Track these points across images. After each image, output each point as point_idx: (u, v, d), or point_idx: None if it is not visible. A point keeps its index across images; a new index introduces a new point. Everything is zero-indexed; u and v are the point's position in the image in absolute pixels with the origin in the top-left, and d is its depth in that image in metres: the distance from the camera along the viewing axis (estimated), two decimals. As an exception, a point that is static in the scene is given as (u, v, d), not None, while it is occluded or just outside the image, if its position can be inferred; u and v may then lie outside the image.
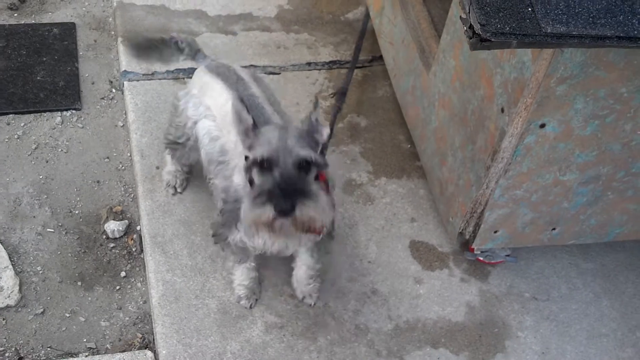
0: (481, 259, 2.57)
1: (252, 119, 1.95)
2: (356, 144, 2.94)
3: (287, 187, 1.83)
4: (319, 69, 3.23)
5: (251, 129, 1.95)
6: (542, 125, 1.99)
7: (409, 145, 2.94)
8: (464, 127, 2.27)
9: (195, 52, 2.51)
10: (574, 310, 2.53)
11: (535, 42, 1.53)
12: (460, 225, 2.35)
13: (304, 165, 1.89)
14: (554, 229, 2.37)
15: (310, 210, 1.82)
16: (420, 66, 2.61)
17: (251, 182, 1.93)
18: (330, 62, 3.26)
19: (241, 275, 2.36)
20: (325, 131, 1.99)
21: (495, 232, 2.33)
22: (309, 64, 3.25)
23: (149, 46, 2.47)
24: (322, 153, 1.99)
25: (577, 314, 2.52)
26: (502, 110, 2.02)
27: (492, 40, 1.49)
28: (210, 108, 2.32)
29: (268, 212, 1.81)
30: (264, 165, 1.88)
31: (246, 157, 1.97)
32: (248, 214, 1.86)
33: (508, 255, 2.56)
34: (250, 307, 2.39)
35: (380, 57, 3.21)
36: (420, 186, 2.81)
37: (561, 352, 2.42)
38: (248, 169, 1.94)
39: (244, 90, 2.29)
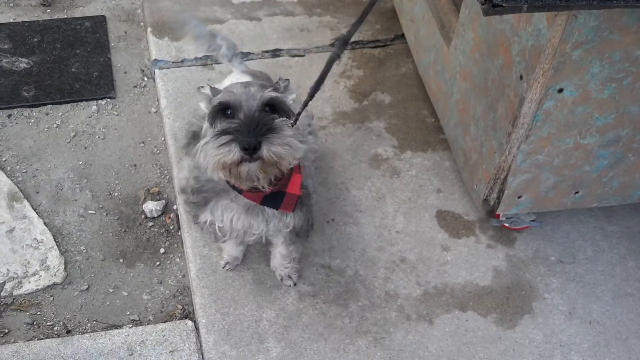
0: (507, 225, 2.64)
1: (209, 88, 1.92)
2: (381, 120, 3.02)
3: (251, 125, 1.74)
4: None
5: (212, 96, 1.90)
6: (560, 90, 2.04)
7: (433, 119, 3.01)
8: (485, 96, 2.34)
9: (233, 55, 2.51)
10: (600, 271, 2.59)
11: (545, 6, 1.59)
12: (484, 191, 2.42)
13: (269, 108, 1.82)
14: (577, 192, 2.43)
15: (277, 147, 1.75)
16: (440, 41, 2.68)
17: (216, 126, 1.85)
18: (353, 42, 3.34)
19: (229, 247, 2.41)
20: (291, 97, 1.94)
21: (519, 197, 2.40)
22: (331, 45, 3.31)
23: (196, 27, 2.50)
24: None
25: (603, 275, 2.58)
26: (521, 78, 2.08)
27: (504, 5, 1.56)
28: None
29: (233, 150, 1.73)
30: (227, 111, 1.82)
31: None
32: (211, 154, 1.75)
33: (533, 221, 2.62)
34: (231, 270, 2.46)
35: (402, 36, 3.28)
36: (445, 158, 2.89)
37: (587, 311, 2.48)
38: (212, 118, 1.85)
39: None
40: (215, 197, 2.09)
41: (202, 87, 1.96)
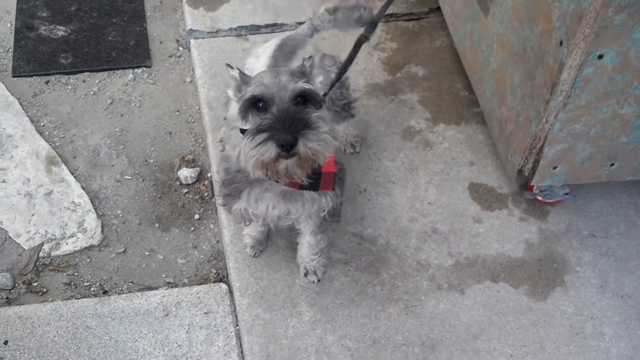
0: (540, 198, 2.63)
1: (238, 72, 1.89)
2: (414, 93, 3.01)
3: (286, 121, 1.73)
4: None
5: (242, 84, 1.88)
6: (600, 57, 2.03)
7: (467, 93, 3.00)
8: (523, 64, 2.33)
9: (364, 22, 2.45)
10: (633, 246, 2.57)
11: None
12: (519, 162, 2.42)
13: (301, 99, 1.80)
14: (612, 164, 2.41)
15: (313, 144, 1.74)
16: (478, 10, 2.66)
17: (249, 120, 1.84)
18: (387, 15, 3.32)
19: (250, 228, 2.40)
20: (319, 79, 1.93)
21: (554, 168, 2.39)
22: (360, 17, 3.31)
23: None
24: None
25: (636, 250, 2.56)
26: (561, 43, 2.07)
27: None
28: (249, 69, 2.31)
29: (270, 148, 1.72)
30: (259, 104, 1.80)
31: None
32: (249, 155, 1.75)
33: (567, 194, 2.61)
34: (255, 256, 2.45)
35: (437, 9, 3.27)
36: (479, 132, 2.88)
37: (619, 285, 2.47)
38: (243, 112, 1.83)
39: (282, 63, 2.26)
40: (249, 187, 2.06)
41: (232, 67, 1.91)
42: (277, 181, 1.88)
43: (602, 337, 2.34)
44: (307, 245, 2.35)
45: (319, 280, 2.41)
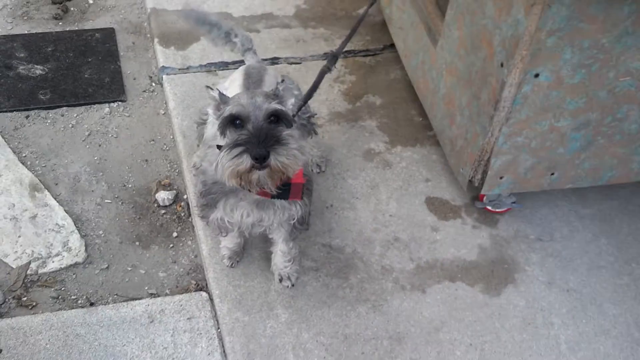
0: (489, 207, 2.90)
1: (218, 93, 2.09)
2: (373, 120, 3.29)
3: (260, 136, 1.94)
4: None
5: (220, 103, 2.09)
6: (537, 75, 2.33)
7: (421, 119, 3.29)
8: (469, 87, 2.62)
9: (246, 50, 2.77)
10: (575, 248, 2.86)
11: None
12: (469, 173, 2.69)
13: (274, 118, 2.01)
14: (552, 173, 2.71)
15: (283, 158, 1.95)
16: (428, 42, 2.97)
17: (226, 135, 2.05)
18: (346, 51, 3.63)
19: (227, 240, 2.60)
20: (290, 102, 2.14)
21: (501, 178, 2.67)
22: (326, 54, 3.62)
23: (207, 22, 2.72)
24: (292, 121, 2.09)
25: (578, 251, 2.85)
26: (502, 65, 2.37)
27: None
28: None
29: (245, 160, 1.93)
30: (236, 121, 2.00)
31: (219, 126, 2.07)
32: (226, 165, 1.95)
33: (514, 202, 2.89)
34: (232, 266, 2.63)
35: (391, 46, 3.59)
36: (433, 152, 3.16)
37: (565, 281, 2.74)
38: (222, 128, 2.03)
39: (255, 87, 2.49)
40: (224, 197, 2.27)
41: (212, 89, 2.13)
42: (249, 190, 2.09)
43: (551, 326, 2.60)
44: (280, 253, 2.55)
45: (292, 285, 2.61)
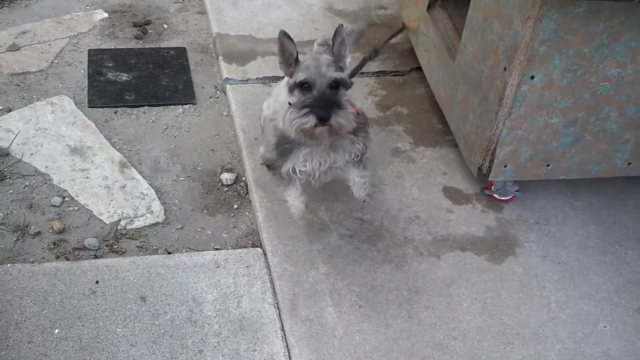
0: (496, 195, 3.48)
1: (296, 51, 2.56)
2: (400, 125, 3.92)
3: (323, 101, 2.44)
4: (370, 77, 4.26)
5: (294, 59, 2.57)
6: (532, 77, 2.94)
7: (441, 126, 3.91)
8: (480, 91, 3.24)
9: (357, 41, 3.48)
10: (567, 231, 3.41)
11: None
12: (479, 161, 3.28)
13: (335, 85, 2.50)
14: (548, 165, 3.29)
15: (341, 119, 2.46)
16: (448, 59, 3.61)
17: (296, 95, 2.55)
18: (378, 72, 4.29)
19: (293, 199, 2.97)
20: (347, 60, 2.64)
21: (505, 166, 3.26)
22: (362, 73, 4.27)
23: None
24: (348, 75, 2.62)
25: (570, 233, 3.40)
26: (505, 69, 2.99)
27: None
28: (277, 99, 3.04)
29: (311, 120, 2.41)
30: (304, 86, 2.48)
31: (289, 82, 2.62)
32: (295, 121, 2.44)
33: (517, 191, 3.47)
34: (301, 218, 3.11)
35: (417, 68, 4.23)
36: (450, 152, 3.77)
37: (557, 256, 3.29)
38: (292, 89, 2.53)
39: None
40: (296, 149, 2.80)
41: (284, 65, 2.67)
42: (313, 140, 2.65)
43: (544, 289, 3.14)
44: (357, 180, 2.88)
45: (368, 195, 2.96)
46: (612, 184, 3.65)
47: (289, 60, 2.66)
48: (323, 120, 2.47)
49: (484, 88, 3.20)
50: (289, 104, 2.67)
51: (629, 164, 3.34)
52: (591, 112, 3.11)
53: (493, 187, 3.46)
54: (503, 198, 3.50)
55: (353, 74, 3.19)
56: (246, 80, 4.13)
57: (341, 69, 2.65)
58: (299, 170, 2.84)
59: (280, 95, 3.01)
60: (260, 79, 4.14)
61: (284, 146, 2.84)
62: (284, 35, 2.60)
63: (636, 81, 3.01)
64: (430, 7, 3.87)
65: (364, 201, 3.17)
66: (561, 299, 3.11)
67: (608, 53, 2.90)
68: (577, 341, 2.95)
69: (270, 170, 3.08)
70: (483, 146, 3.23)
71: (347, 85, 2.64)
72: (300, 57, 2.71)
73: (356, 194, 3.00)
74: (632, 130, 3.20)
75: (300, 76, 2.59)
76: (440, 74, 3.74)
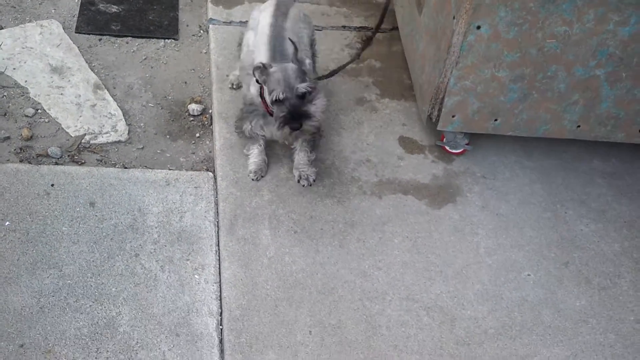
0: (447, 148, 3.60)
1: (262, 63, 2.96)
2: (371, 77, 4.04)
3: (295, 113, 2.90)
4: (351, 31, 4.38)
5: (263, 68, 2.96)
6: (479, 27, 3.04)
7: (410, 81, 4.02)
8: (436, 41, 3.35)
9: None
10: (512, 187, 3.52)
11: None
12: (428, 109, 3.40)
13: (303, 95, 2.92)
14: (496, 119, 3.39)
15: (310, 125, 2.93)
16: (416, 14, 3.72)
17: (273, 109, 3.01)
18: (360, 27, 4.41)
19: (254, 157, 3.34)
20: (308, 62, 3.09)
21: (453, 116, 3.37)
22: (343, 26, 4.41)
23: None
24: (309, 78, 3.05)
25: (514, 189, 3.51)
26: (454, 18, 3.10)
27: None
28: (258, 24, 3.36)
29: (287, 130, 2.92)
30: (280, 101, 2.91)
31: (261, 89, 3.09)
32: (276, 133, 3.01)
33: (467, 144, 3.58)
34: (257, 180, 3.34)
35: (398, 28, 4.34)
36: (413, 106, 3.88)
37: (497, 207, 3.40)
38: (271, 103, 2.98)
39: (281, 21, 3.30)
40: (255, 117, 3.22)
41: (262, 64, 2.98)
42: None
43: (475, 235, 3.26)
44: (301, 155, 3.30)
45: (310, 185, 3.34)
46: (567, 149, 3.74)
47: (259, 70, 3.01)
48: (295, 129, 2.94)
49: (438, 38, 3.31)
50: (253, 74, 3.05)
51: (578, 126, 3.42)
52: (538, 69, 3.20)
53: (445, 139, 3.58)
54: (454, 151, 3.61)
55: (331, 75, 3.56)
56: (230, 22, 4.28)
57: (304, 72, 3.01)
58: (256, 132, 3.23)
59: (244, 59, 3.33)
60: (244, 22, 4.28)
61: (250, 110, 3.21)
62: (257, 68, 3.00)
63: (583, 41, 3.10)
64: (410, -36, 3.97)
65: (303, 185, 3.36)
66: (491, 246, 3.23)
67: (554, 9, 2.98)
68: (497, 284, 3.08)
69: (237, 132, 3.39)
70: (432, 94, 3.34)
71: (312, 90, 2.97)
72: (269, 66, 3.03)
73: (297, 179, 3.35)
74: (580, 92, 3.29)
75: (273, 95, 2.93)
76: (409, 28, 3.85)
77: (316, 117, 2.96)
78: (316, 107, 2.98)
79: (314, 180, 3.36)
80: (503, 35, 3.07)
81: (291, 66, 2.98)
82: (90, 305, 2.78)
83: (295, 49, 3.02)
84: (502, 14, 2.99)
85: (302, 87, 2.93)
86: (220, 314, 2.83)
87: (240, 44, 3.58)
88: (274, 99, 2.94)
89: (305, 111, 2.93)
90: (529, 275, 3.13)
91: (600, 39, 3.10)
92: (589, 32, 3.07)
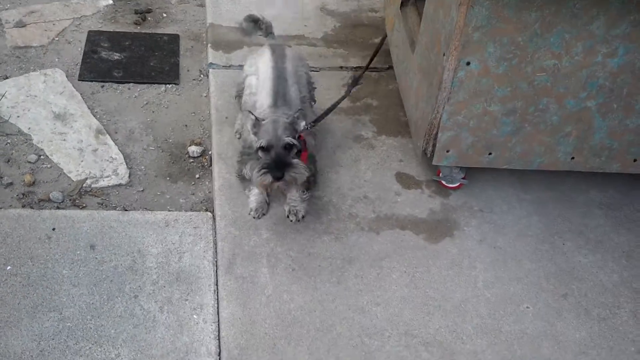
0: (443, 182, 3.63)
1: (255, 117, 3.06)
2: (367, 115, 4.11)
3: (278, 161, 2.95)
4: (348, 71, 4.47)
5: (255, 122, 3.05)
6: (468, 63, 3.10)
7: (406, 119, 4.07)
8: (428, 78, 3.41)
9: (269, 33, 3.73)
10: (509, 220, 3.54)
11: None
12: (423, 145, 3.44)
13: (288, 147, 2.99)
14: (490, 153, 3.42)
15: (293, 176, 2.97)
16: (409, 52, 3.79)
17: (258, 157, 3.06)
18: (357, 67, 4.49)
19: (255, 195, 3.39)
20: (302, 124, 3.12)
21: (447, 151, 3.41)
22: (340, 67, 4.49)
23: (252, 20, 3.71)
24: (300, 137, 3.14)
25: (511, 222, 3.52)
26: (444, 55, 3.16)
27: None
28: (258, 69, 3.50)
29: (268, 178, 2.94)
30: (265, 148, 2.97)
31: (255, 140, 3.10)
32: (257, 179, 2.97)
33: (464, 178, 3.61)
34: (258, 218, 3.39)
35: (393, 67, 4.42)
36: (410, 143, 3.93)
37: (494, 241, 3.41)
38: (256, 150, 3.04)
39: (281, 64, 3.44)
40: (252, 161, 3.18)
41: (252, 113, 3.12)
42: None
43: (474, 269, 3.27)
44: (294, 193, 3.31)
45: (298, 221, 3.38)
46: (564, 180, 3.76)
47: (254, 124, 3.10)
48: (278, 178, 2.96)
49: (430, 75, 3.37)
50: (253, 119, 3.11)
51: (572, 158, 3.45)
52: (530, 102, 3.24)
53: (441, 173, 3.61)
54: (450, 185, 3.64)
55: (325, 115, 3.52)
56: (229, 66, 4.38)
57: (295, 130, 3.10)
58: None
59: (246, 102, 3.43)
60: (242, 65, 4.37)
61: (248, 153, 3.25)
62: (250, 121, 3.11)
63: (572, 74, 3.14)
64: (403, 5, 4.06)
65: (291, 221, 3.39)
66: (489, 279, 3.23)
67: (542, 43, 3.04)
68: (496, 318, 3.07)
69: (237, 175, 3.48)
70: (426, 129, 3.39)
71: (299, 147, 3.08)
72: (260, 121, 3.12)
73: (287, 214, 3.39)
74: (572, 124, 3.32)
75: (260, 142, 3.02)
76: (404, 66, 3.92)
77: (300, 167, 2.99)
78: (299, 162, 3.04)
79: (303, 217, 3.39)
80: (493, 70, 3.12)
81: (282, 120, 3.07)
82: (89, 348, 2.80)
83: (299, 109, 3.17)
84: (490, 49, 3.05)
85: (287, 140, 3.00)
86: (219, 354, 2.84)
87: (237, 97, 3.66)
88: (259, 145, 3.01)
89: (289, 161, 2.98)
90: (527, 307, 3.13)
91: (590, 71, 3.14)
92: (578, 64, 3.11)
